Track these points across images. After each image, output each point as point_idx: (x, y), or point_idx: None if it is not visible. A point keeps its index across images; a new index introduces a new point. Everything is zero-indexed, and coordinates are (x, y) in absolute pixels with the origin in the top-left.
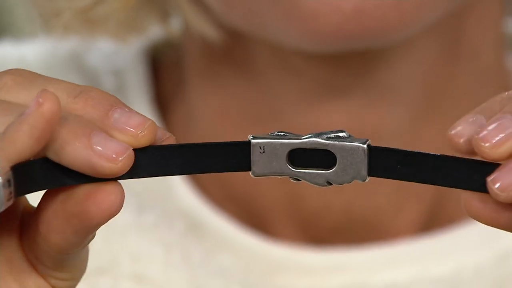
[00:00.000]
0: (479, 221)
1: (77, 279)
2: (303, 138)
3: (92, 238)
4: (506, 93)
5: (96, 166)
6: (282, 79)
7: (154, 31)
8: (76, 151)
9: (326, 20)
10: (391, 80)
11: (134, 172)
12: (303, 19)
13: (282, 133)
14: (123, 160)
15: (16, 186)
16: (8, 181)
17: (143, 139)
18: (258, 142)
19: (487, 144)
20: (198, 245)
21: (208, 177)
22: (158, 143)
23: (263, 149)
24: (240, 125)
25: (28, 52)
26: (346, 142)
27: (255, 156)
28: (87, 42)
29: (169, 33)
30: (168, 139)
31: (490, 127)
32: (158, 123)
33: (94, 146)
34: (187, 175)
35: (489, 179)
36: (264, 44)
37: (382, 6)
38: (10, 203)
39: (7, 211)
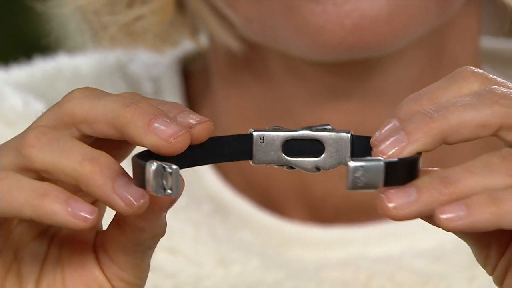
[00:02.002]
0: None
1: (136, 287)
2: (296, 130)
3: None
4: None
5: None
6: (293, 84)
7: (185, 44)
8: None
9: (330, 35)
10: (384, 85)
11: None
12: (311, 33)
13: (277, 127)
14: (177, 141)
15: None
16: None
17: (175, 145)
18: (258, 134)
19: (384, 156)
20: (222, 223)
21: (231, 167)
22: (197, 127)
23: (263, 139)
24: (256, 123)
25: (81, 62)
26: (333, 132)
27: (256, 146)
28: (130, 54)
29: (198, 45)
30: (206, 122)
31: (387, 142)
32: None
33: (155, 129)
34: (212, 165)
35: (439, 213)
36: (278, 53)
37: (377, 23)
38: None
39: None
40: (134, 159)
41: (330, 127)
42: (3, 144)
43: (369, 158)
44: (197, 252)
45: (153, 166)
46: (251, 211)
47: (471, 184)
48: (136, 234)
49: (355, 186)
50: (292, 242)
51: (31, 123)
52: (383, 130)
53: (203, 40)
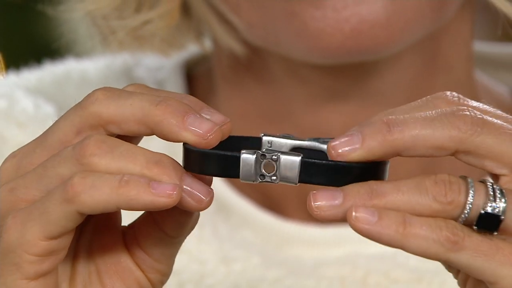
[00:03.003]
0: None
1: (167, 276)
2: (304, 140)
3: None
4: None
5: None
6: (293, 86)
7: (190, 48)
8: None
9: (330, 39)
10: (381, 88)
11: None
12: (311, 37)
13: (288, 135)
14: (212, 135)
15: None
16: None
17: (211, 141)
18: (267, 139)
19: (333, 152)
20: (225, 223)
21: None
22: (223, 127)
23: (271, 144)
24: (258, 124)
25: (89, 67)
26: None
27: (263, 150)
28: (136, 58)
29: (203, 48)
30: (228, 123)
31: (342, 139)
32: None
33: (190, 125)
34: None
35: (352, 210)
36: (279, 57)
37: (375, 28)
38: None
39: (111, 217)
40: (216, 153)
41: None
42: (53, 156)
43: (290, 152)
44: (200, 250)
45: (251, 155)
46: (252, 211)
47: (396, 201)
48: (177, 231)
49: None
50: (292, 241)
51: (42, 125)
52: (342, 140)
53: (207, 44)
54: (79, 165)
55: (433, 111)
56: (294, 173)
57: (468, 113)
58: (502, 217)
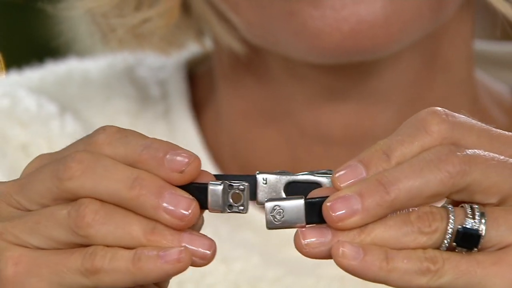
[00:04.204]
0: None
1: None
2: (298, 175)
3: None
4: (383, 152)
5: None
6: (292, 85)
7: (192, 47)
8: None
9: (328, 39)
10: (380, 87)
11: None
12: (310, 37)
13: (282, 171)
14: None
15: None
16: None
17: (189, 222)
18: (262, 176)
19: (333, 214)
20: (225, 223)
21: (233, 168)
22: (187, 170)
23: (266, 180)
24: (258, 123)
25: (91, 66)
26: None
27: (259, 187)
28: (138, 58)
29: (203, 47)
30: (193, 162)
31: (339, 200)
32: (193, 124)
33: (166, 208)
34: (215, 169)
35: (339, 246)
36: (278, 56)
37: (373, 28)
38: None
39: None
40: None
41: (332, 172)
42: (46, 216)
43: (291, 197)
44: None
45: (218, 186)
46: (253, 212)
47: (383, 235)
48: None
49: (273, 224)
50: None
51: (44, 124)
52: (345, 171)
53: (207, 43)
54: (76, 235)
55: (420, 158)
56: (300, 216)
57: (453, 154)
58: (481, 233)
